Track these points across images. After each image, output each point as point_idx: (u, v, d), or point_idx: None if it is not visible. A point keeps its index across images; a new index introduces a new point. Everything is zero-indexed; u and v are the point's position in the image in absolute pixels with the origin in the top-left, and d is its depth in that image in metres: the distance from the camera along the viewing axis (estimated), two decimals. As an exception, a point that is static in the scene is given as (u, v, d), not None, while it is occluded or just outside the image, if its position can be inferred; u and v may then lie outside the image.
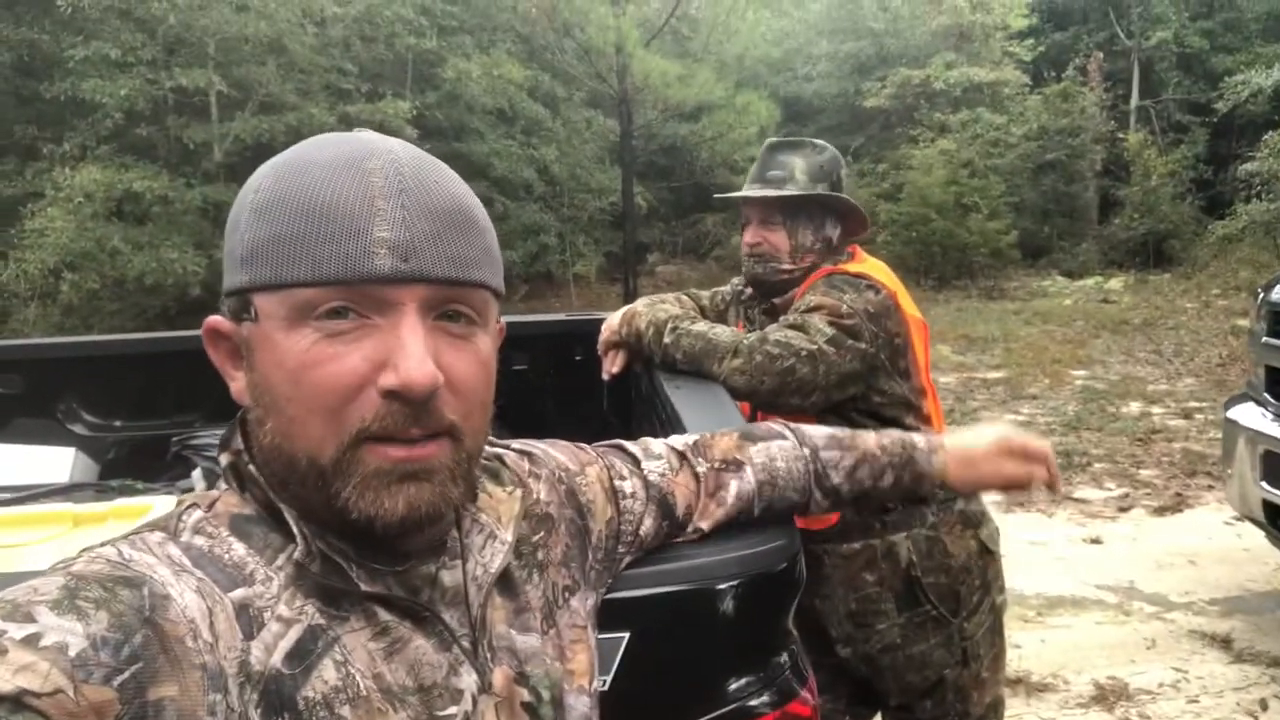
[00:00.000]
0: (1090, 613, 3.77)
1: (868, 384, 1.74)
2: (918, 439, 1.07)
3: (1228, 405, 3.60)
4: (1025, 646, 3.46)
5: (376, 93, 9.37)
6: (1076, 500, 5.17)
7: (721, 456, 0.96)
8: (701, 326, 1.72)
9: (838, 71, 20.10)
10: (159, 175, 8.14)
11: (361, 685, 0.60)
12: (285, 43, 8.60)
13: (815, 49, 20.47)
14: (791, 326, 1.68)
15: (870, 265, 1.87)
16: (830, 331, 1.66)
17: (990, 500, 4.94)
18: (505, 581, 0.73)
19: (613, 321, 1.89)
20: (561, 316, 2.51)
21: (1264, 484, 3.20)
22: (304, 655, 0.59)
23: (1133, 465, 5.85)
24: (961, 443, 1.07)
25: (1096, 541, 4.53)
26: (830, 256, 1.88)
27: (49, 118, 8.54)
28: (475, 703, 0.66)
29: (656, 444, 0.97)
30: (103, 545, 0.59)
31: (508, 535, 0.73)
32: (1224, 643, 3.45)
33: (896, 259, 15.32)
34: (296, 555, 0.61)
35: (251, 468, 0.64)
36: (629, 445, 0.96)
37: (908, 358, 1.79)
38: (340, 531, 0.62)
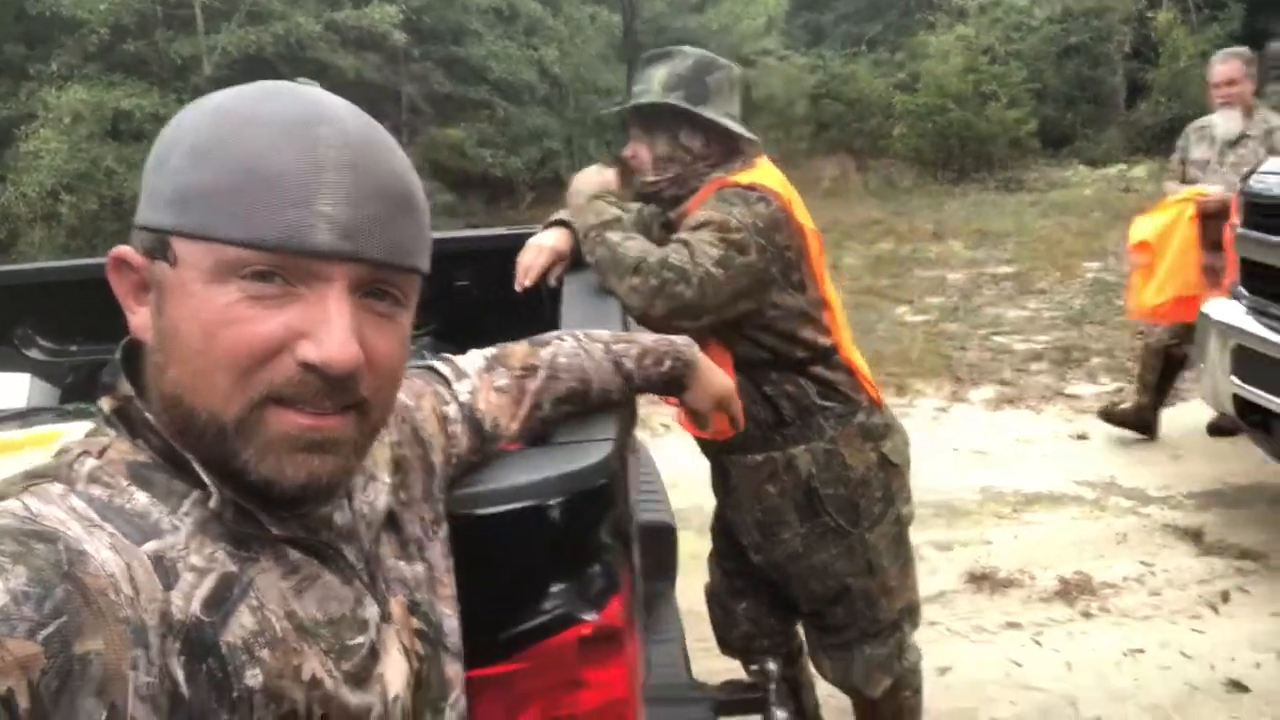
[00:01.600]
0: (1067, 508, 3.81)
1: (759, 299, 1.73)
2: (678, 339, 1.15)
3: (1208, 308, 3.54)
4: (996, 543, 3.52)
5: (358, -2, 9.18)
6: (1068, 396, 5.16)
7: (520, 364, 1.01)
8: (615, 237, 1.68)
9: (855, -45, 19.26)
10: (149, 92, 8.04)
11: (278, 627, 0.61)
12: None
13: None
14: (683, 244, 1.66)
15: (762, 174, 1.82)
16: (716, 252, 1.65)
17: (981, 398, 4.99)
18: (390, 518, 0.76)
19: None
20: (503, 231, 2.51)
21: (1234, 378, 3.18)
22: (221, 602, 0.59)
23: (1132, 359, 5.79)
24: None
25: (1082, 437, 4.54)
26: (722, 165, 1.82)
27: (38, 36, 8.43)
28: (379, 631, 0.69)
29: (464, 361, 1.00)
30: (2, 493, 0.58)
31: (386, 477, 0.77)
32: (1195, 536, 3.48)
33: (913, 151, 14.99)
34: (212, 504, 0.61)
35: (148, 415, 0.63)
36: (440, 366, 0.98)
37: (802, 270, 1.78)
38: (237, 487, 0.63)
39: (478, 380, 0.98)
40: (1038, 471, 4.12)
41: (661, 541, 2.28)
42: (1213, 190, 3.85)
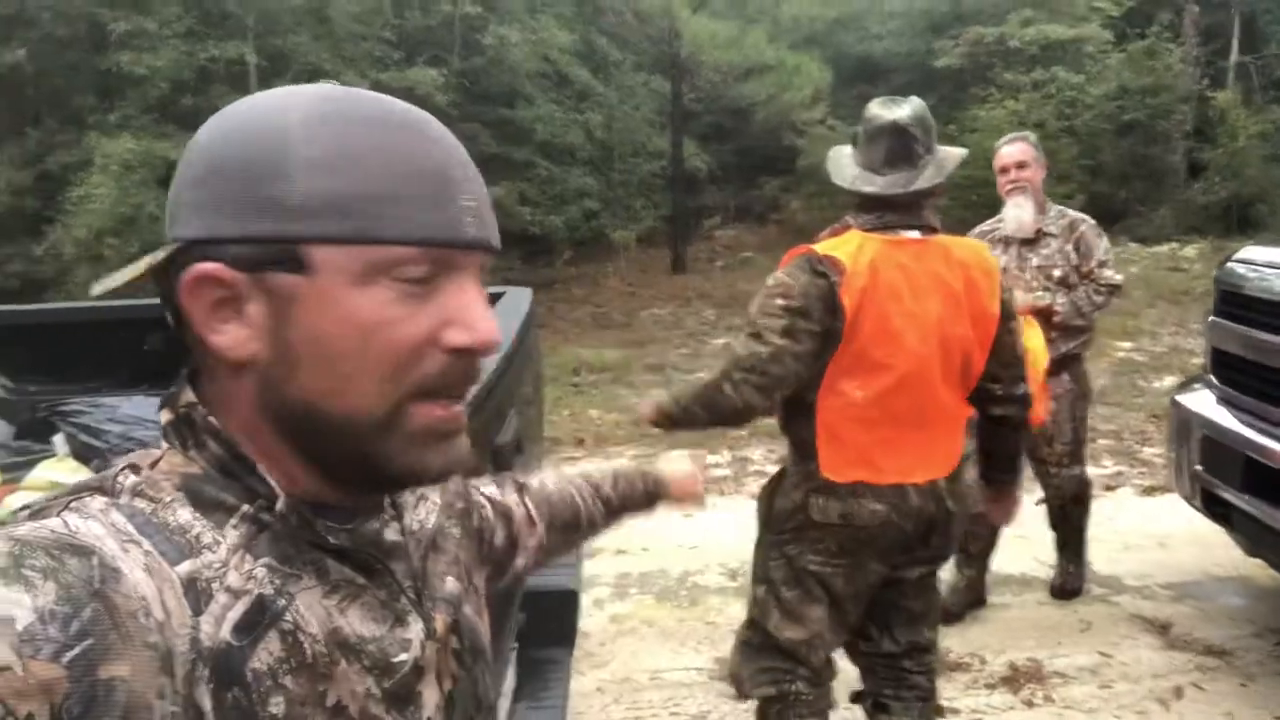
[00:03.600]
0: (1035, 592, 3.73)
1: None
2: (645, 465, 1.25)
3: (1180, 387, 3.49)
4: (953, 625, 3.46)
5: (410, 60, 9.53)
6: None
7: (518, 488, 1.04)
8: (680, 390, 2.15)
9: (909, 29, 19.45)
10: (198, 144, 8.42)
11: (308, 651, 0.60)
12: (329, 12, 8.85)
13: (888, 6, 19.86)
14: (747, 334, 2.01)
15: (834, 243, 2.03)
16: (780, 323, 1.95)
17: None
18: (438, 537, 0.77)
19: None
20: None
21: (1200, 468, 3.11)
22: (251, 627, 0.58)
23: (1138, 443, 5.68)
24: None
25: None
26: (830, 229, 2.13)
27: (105, 89, 8.99)
28: (423, 649, 0.68)
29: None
30: (44, 511, 0.57)
31: (436, 497, 0.78)
32: (1161, 628, 3.38)
33: (959, 223, 14.88)
34: (279, 506, 0.61)
35: (212, 419, 0.62)
36: None
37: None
38: (373, 484, 0.65)
39: (496, 489, 1.00)
40: (1012, 553, 4.02)
41: (562, 607, 2.32)
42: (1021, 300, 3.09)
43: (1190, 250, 13.97)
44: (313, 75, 9.36)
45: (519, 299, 2.51)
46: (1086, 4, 18.58)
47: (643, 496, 1.18)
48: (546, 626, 2.13)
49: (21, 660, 0.46)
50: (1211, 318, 3.20)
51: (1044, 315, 3.22)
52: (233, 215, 0.59)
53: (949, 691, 3.05)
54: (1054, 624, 3.45)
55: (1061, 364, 3.31)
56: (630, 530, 4.56)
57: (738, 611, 3.63)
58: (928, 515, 2.05)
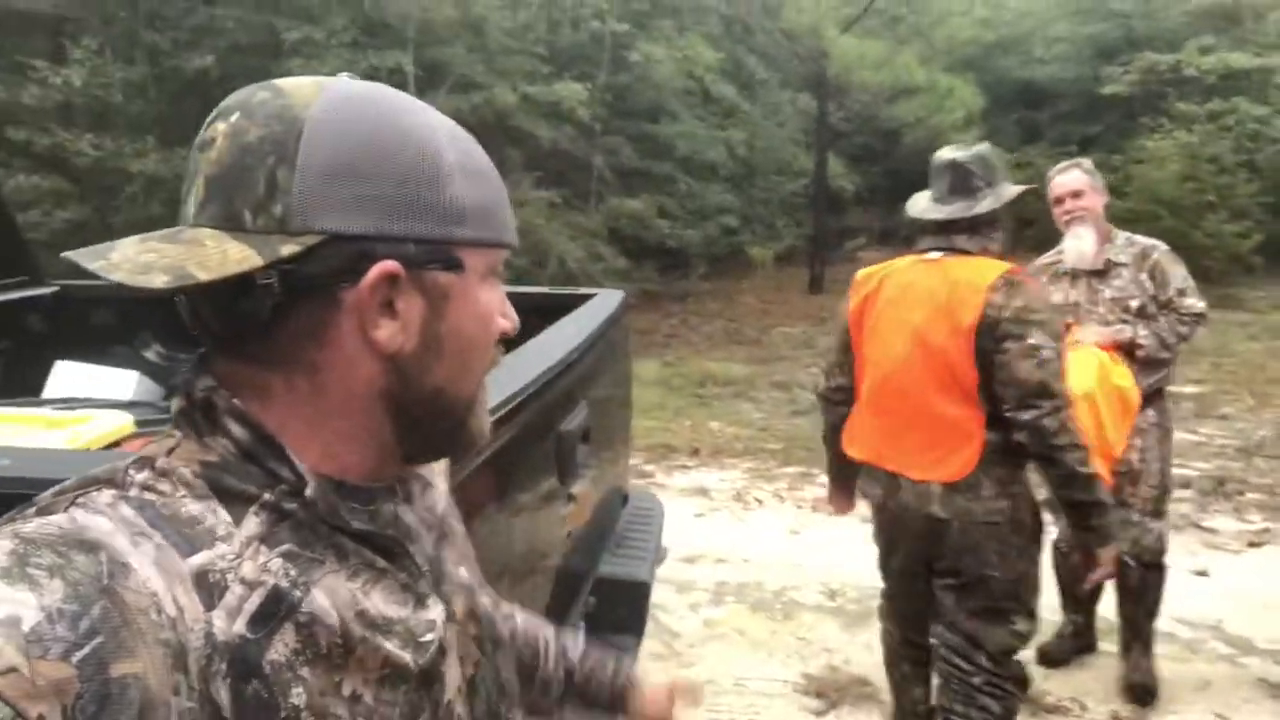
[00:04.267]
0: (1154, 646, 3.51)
1: None
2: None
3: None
4: (1059, 669, 3.31)
5: (558, 74, 9.88)
6: (1204, 529, 4.74)
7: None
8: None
9: (1076, 55, 18.59)
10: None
11: (323, 643, 0.59)
12: (485, 26, 9.29)
13: (1053, 30, 19.06)
14: None
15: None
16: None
17: None
18: (445, 526, 0.78)
19: None
20: None
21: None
22: (268, 618, 0.56)
23: (1293, 499, 5.25)
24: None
25: (1202, 574, 4.16)
26: None
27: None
28: (445, 630, 0.69)
29: None
30: (50, 507, 0.56)
31: (442, 484, 0.81)
32: (1289, 694, 3.13)
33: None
34: (309, 492, 0.61)
35: (237, 401, 0.61)
36: None
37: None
38: (455, 449, 0.72)
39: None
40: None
41: (633, 596, 2.37)
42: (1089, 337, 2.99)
43: (1383, 299, 12.77)
44: (466, 86, 9.83)
45: (610, 299, 2.59)
46: (1278, 31, 17.31)
47: (607, 693, 1.04)
48: (615, 613, 2.18)
49: (29, 661, 0.45)
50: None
51: (1127, 349, 2.97)
52: (397, 216, 0.60)
53: (1043, 733, 2.93)
54: (1169, 678, 3.25)
55: (1145, 400, 3.01)
56: (734, 541, 4.58)
57: (831, 629, 3.61)
58: (923, 514, 2.24)
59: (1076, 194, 3.08)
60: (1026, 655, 3.02)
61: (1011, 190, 2.23)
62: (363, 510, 0.64)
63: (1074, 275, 3.14)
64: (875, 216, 17.92)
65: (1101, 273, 3.07)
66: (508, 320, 0.70)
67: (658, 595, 3.94)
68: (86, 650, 0.47)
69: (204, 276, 0.56)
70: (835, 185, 15.17)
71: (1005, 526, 2.19)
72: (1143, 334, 2.98)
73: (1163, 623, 3.65)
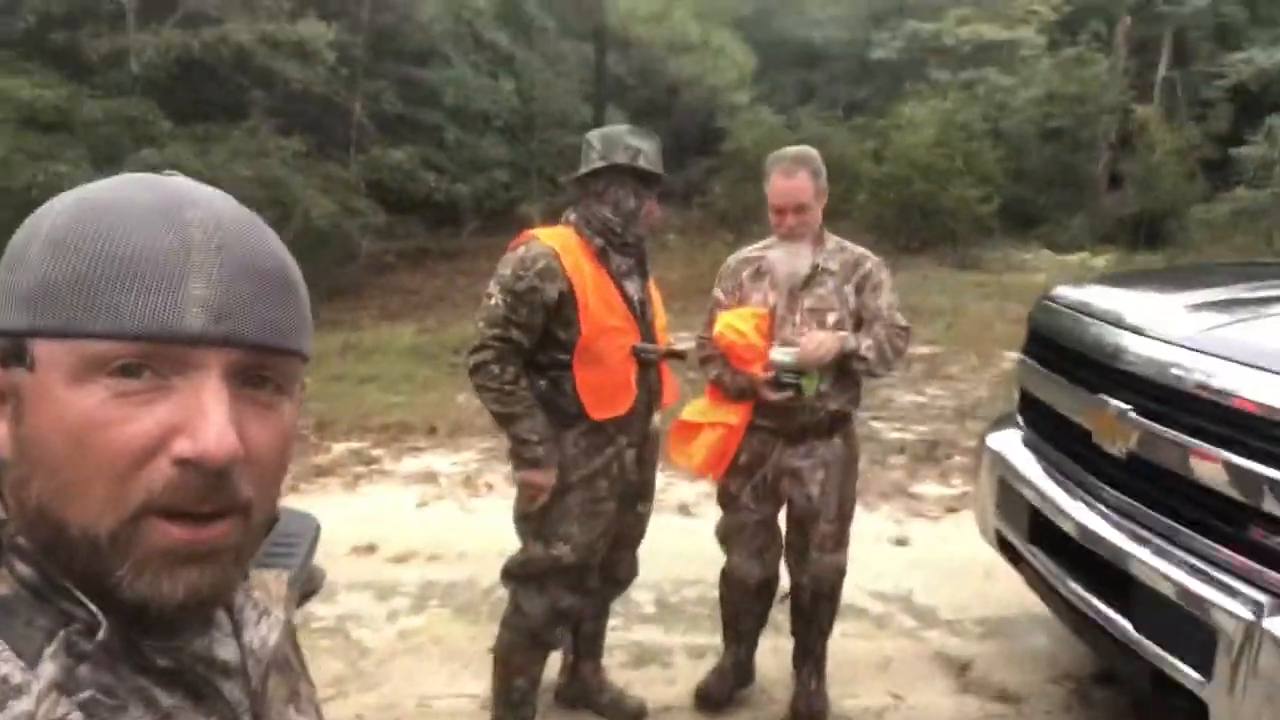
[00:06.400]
0: (842, 623, 3.61)
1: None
2: None
3: (994, 424, 3.39)
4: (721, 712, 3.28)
5: (302, 11, 9.07)
6: (910, 495, 4.98)
7: None
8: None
9: (849, 20, 19.38)
10: (60, 84, 7.96)
11: None
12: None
13: (829, -8, 19.72)
14: None
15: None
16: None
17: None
18: (280, 660, 0.71)
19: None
20: None
21: (997, 511, 3.01)
22: None
23: (995, 462, 5.64)
24: None
25: (901, 543, 4.36)
26: None
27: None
28: None
29: None
30: None
31: (280, 613, 0.71)
32: (961, 668, 3.29)
33: (873, 219, 14.92)
34: (101, 636, 0.55)
35: (20, 539, 0.56)
36: None
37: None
38: (106, 610, 0.56)
39: None
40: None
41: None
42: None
43: (1100, 260, 14.19)
44: (196, 20, 8.85)
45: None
46: (1025, 6, 18.68)
47: None
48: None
49: None
50: (1020, 355, 3.09)
51: (844, 360, 2.70)
52: None
53: (724, 733, 2.92)
54: (854, 660, 3.33)
55: (830, 426, 2.80)
56: (454, 533, 4.36)
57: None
58: None
59: (800, 209, 2.69)
60: (685, 701, 2.98)
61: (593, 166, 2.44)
62: (165, 646, 0.59)
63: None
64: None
65: (805, 278, 2.76)
66: (185, 439, 0.54)
67: (352, 604, 3.69)
68: None
69: None
70: (619, 139, 15.00)
71: None
72: (866, 344, 2.68)
73: (856, 597, 3.78)
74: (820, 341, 2.59)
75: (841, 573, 2.92)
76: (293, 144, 9.41)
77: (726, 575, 2.98)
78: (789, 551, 2.92)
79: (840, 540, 2.88)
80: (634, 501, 2.69)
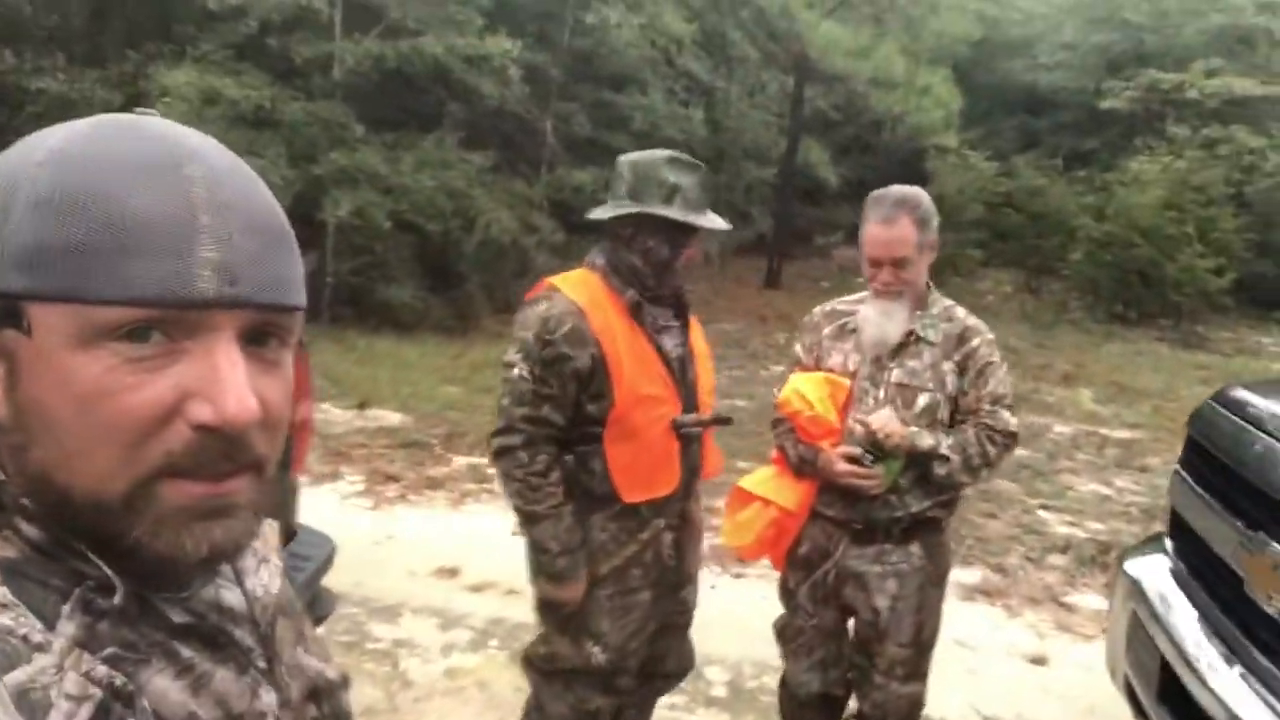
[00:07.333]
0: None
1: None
2: None
3: (1141, 544, 2.82)
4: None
5: (491, 28, 9.27)
6: (1062, 604, 4.32)
7: None
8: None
9: (1081, 64, 18.02)
10: (267, 86, 8.50)
11: None
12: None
13: (1062, 36, 18.44)
14: None
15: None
16: None
17: (957, 581, 4.04)
18: (285, 605, 0.72)
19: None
20: None
21: (1128, 653, 2.46)
22: None
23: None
24: None
25: (1038, 661, 3.76)
26: None
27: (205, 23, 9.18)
28: (282, 717, 0.66)
29: None
30: None
31: (277, 560, 0.73)
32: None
33: (1087, 282, 13.66)
34: (117, 599, 0.55)
35: (26, 500, 0.55)
36: None
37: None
38: (120, 569, 0.56)
39: None
40: (949, 687, 3.39)
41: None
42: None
43: (1353, 353, 12.31)
44: (398, 32, 9.28)
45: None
46: (1287, 61, 16.70)
47: None
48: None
49: None
50: (1176, 468, 2.54)
51: (921, 460, 2.31)
52: None
53: None
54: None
55: (913, 530, 2.38)
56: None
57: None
58: None
59: (899, 262, 2.27)
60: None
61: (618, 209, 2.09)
62: (175, 598, 0.60)
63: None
64: (855, 212, 17.40)
65: (897, 346, 2.34)
66: (204, 403, 0.53)
67: (413, 629, 3.56)
68: None
69: None
70: (818, 176, 14.58)
71: None
72: (948, 443, 2.25)
73: (966, 715, 3.27)
74: (884, 423, 2.19)
75: (917, 707, 2.44)
76: (478, 158, 9.66)
77: (784, 683, 2.60)
78: (852, 669, 2.49)
79: (915, 670, 2.40)
80: (675, 588, 2.33)
